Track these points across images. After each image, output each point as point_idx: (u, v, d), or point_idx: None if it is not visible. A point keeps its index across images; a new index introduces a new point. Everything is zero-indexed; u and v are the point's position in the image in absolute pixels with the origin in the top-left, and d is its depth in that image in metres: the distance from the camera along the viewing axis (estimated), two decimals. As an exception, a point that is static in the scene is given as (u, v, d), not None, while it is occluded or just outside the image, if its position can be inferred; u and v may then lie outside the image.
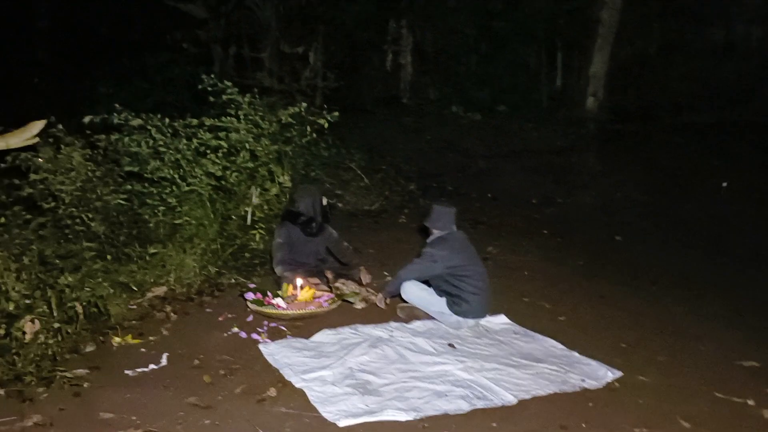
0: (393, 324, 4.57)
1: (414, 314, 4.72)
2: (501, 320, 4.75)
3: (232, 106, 5.77)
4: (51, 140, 5.12)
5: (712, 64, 14.90)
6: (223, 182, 5.68)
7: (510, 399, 3.53)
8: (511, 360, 4.06)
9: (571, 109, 14.30)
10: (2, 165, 4.76)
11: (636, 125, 13.65)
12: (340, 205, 7.36)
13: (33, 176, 5.01)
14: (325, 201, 5.27)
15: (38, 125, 4.08)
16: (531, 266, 6.11)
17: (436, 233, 4.73)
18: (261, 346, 4.10)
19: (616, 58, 14.07)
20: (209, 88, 5.83)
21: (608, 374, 3.87)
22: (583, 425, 3.33)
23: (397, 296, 4.82)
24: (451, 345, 4.27)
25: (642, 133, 13.15)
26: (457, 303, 4.53)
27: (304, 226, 5.12)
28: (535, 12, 14.52)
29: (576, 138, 12.83)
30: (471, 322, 4.58)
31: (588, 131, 13.36)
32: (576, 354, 4.18)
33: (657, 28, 15.65)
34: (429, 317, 4.69)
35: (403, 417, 3.28)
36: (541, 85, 15.37)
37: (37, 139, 4.20)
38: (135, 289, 4.71)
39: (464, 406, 3.42)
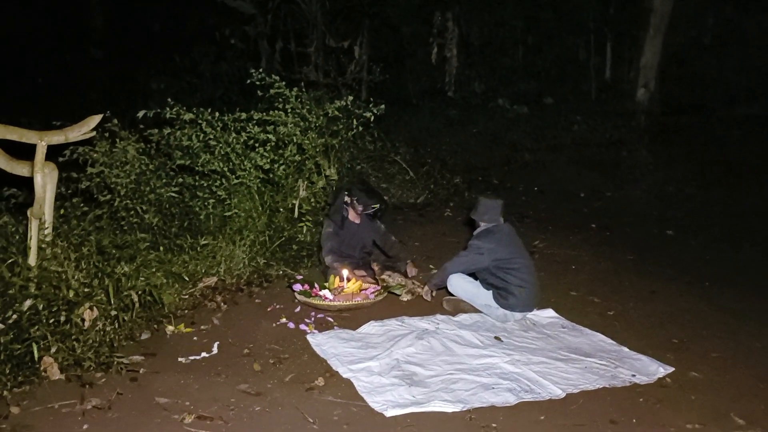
0: (439, 316, 4.57)
1: (460, 307, 4.72)
2: (548, 314, 4.70)
3: (280, 100, 5.84)
4: (107, 135, 5.32)
5: (768, 52, 14.34)
6: (271, 175, 5.77)
7: (558, 392, 3.49)
8: (559, 354, 4.02)
9: (622, 101, 13.97)
10: (61, 158, 4.96)
11: (689, 118, 13.25)
12: (385, 198, 7.38)
13: (90, 170, 5.21)
14: (375, 207, 5.31)
15: (95, 120, 4.20)
16: (579, 260, 6.02)
17: (482, 225, 4.71)
18: (309, 337, 4.17)
19: (668, 48, 13.67)
20: (257, 83, 5.91)
21: (659, 370, 3.79)
22: (634, 421, 3.27)
23: (444, 289, 4.82)
24: (497, 338, 4.25)
25: (695, 125, 12.76)
26: (503, 296, 4.51)
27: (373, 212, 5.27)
28: (583, 2, 14.21)
29: (626, 131, 12.54)
30: (518, 315, 4.54)
31: (639, 124, 13.04)
32: (625, 349, 4.11)
33: (711, 17, 15.13)
34: (475, 310, 4.68)
35: (450, 408, 3.29)
36: (590, 77, 15.05)
37: (93, 134, 4.33)
38: (187, 279, 4.83)
39: (511, 399, 3.41)
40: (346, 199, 5.28)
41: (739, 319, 4.74)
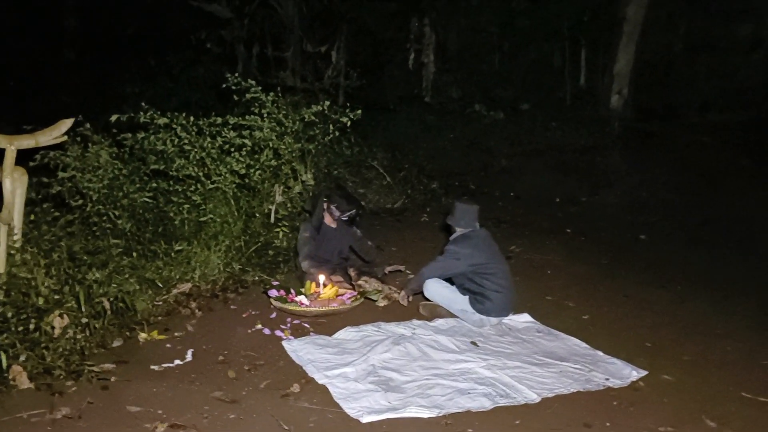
0: (416, 322, 4.57)
1: (437, 312, 4.73)
2: (524, 318, 4.73)
3: (256, 104, 5.82)
4: (79, 139, 5.24)
5: (739, 61, 14.61)
6: (247, 180, 5.73)
7: (533, 397, 3.51)
8: (534, 358, 4.05)
9: (596, 107, 14.13)
10: (32, 163, 4.87)
11: (662, 124, 13.45)
12: (363, 203, 7.39)
13: (61, 174, 5.13)
14: (353, 212, 5.28)
15: (66, 124, 4.15)
16: (554, 265, 6.07)
17: (459, 231, 4.72)
18: (284, 343, 4.14)
19: (641, 56, 13.87)
20: (233, 87, 5.88)
21: (633, 373, 3.84)
22: (607, 424, 3.30)
23: (420, 294, 4.83)
24: (473, 343, 4.26)
25: (668, 131, 12.96)
26: (480, 301, 4.52)
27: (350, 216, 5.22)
28: (558, 10, 14.38)
29: (600, 136, 12.68)
30: (494, 320, 4.56)
31: (612, 130, 13.20)
32: (600, 353, 4.15)
33: (683, 25, 15.39)
34: (452, 315, 4.69)
35: (425, 414, 3.28)
36: (565, 83, 15.21)
37: (65, 138, 4.28)
38: (161, 285, 4.78)
39: (487, 404, 3.42)
40: (324, 204, 5.26)
41: (710, 321, 4.82)
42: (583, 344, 4.30)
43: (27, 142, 3.97)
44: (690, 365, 4.06)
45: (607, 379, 3.76)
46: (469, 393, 3.53)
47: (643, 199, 9.03)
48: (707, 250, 6.75)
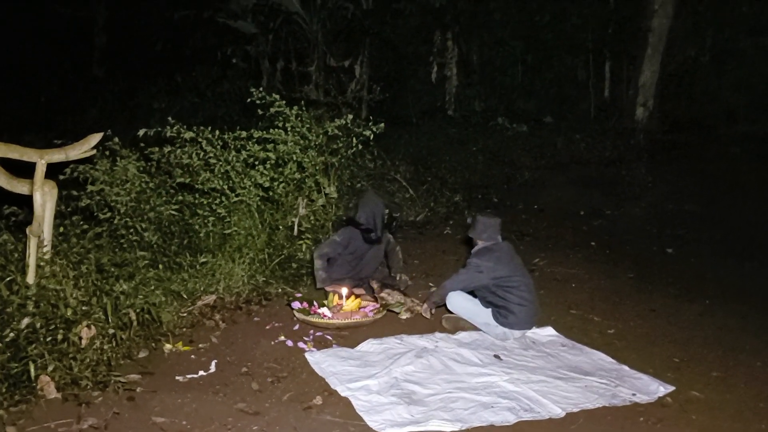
0: (438, 334, 4.55)
1: (459, 325, 4.70)
2: (548, 332, 4.68)
3: (280, 118, 5.87)
4: (107, 153, 5.34)
5: (767, 71, 14.41)
6: (270, 193, 5.78)
7: (557, 412, 3.47)
8: (559, 372, 4.00)
9: (620, 119, 14.04)
10: (62, 176, 4.98)
11: (688, 135, 13.30)
12: (396, 215, 7.41)
13: (90, 187, 5.22)
14: (386, 213, 5.33)
15: (96, 138, 4.23)
16: (579, 278, 6.01)
17: (481, 244, 4.71)
18: (307, 355, 4.15)
19: (666, 67, 13.76)
20: (258, 102, 5.94)
21: (660, 389, 3.77)
22: (634, 440, 3.25)
23: (443, 307, 4.81)
24: (497, 356, 4.23)
25: (695, 143, 12.81)
26: (503, 314, 4.49)
27: (365, 232, 5.19)
28: (582, 22, 14.34)
29: (625, 149, 12.58)
30: (517, 333, 4.53)
31: (638, 142, 13.09)
32: (626, 368, 4.08)
33: (709, 36, 15.24)
34: (474, 328, 4.66)
35: (448, 427, 3.26)
36: (589, 96, 15.14)
37: (94, 152, 4.36)
38: (186, 297, 4.82)
39: (510, 418, 3.38)
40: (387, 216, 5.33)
41: (739, 337, 4.72)
42: (609, 359, 4.24)
43: (57, 156, 4.06)
44: (719, 381, 3.98)
45: (633, 395, 3.70)
46: (492, 407, 3.50)
47: (670, 212, 8.90)
48: (736, 264, 6.62)
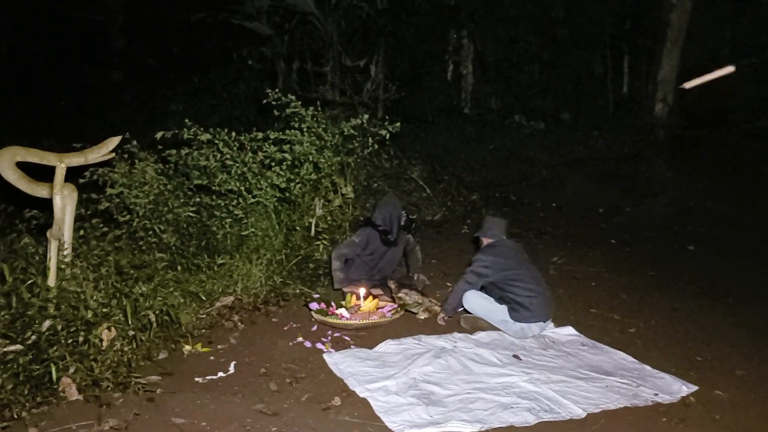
0: (457, 335, 4.53)
1: (478, 325, 4.68)
2: (568, 331, 4.65)
3: (296, 119, 5.88)
4: (126, 156, 5.38)
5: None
6: (287, 194, 5.79)
7: (578, 412, 3.43)
8: (579, 372, 3.96)
9: (639, 115, 13.85)
10: (81, 180, 5.02)
11: (709, 131, 13.10)
12: (413, 217, 7.42)
13: (109, 190, 5.27)
14: (404, 216, 5.34)
15: (114, 141, 4.26)
16: (598, 277, 5.95)
17: (485, 242, 4.79)
18: (325, 356, 4.15)
19: (686, 62, 13.56)
20: (274, 103, 5.95)
21: (683, 388, 3.72)
22: (657, 441, 3.21)
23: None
24: (516, 356, 4.20)
25: (715, 139, 12.62)
26: (516, 309, 4.50)
27: (382, 233, 5.20)
28: (599, 17, 14.18)
29: (644, 145, 12.43)
30: (535, 328, 4.50)
31: (657, 138, 12.91)
32: (648, 367, 4.03)
33: (729, 30, 15.00)
34: (493, 328, 4.63)
35: (468, 428, 3.24)
36: (607, 92, 14.97)
37: (113, 155, 4.39)
38: (204, 298, 4.84)
39: (530, 419, 3.36)
40: (404, 218, 5.34)
41: (763, 335, 4.64)
42: (630, 358, 4.19)
43: (77, 159, 4.09)
44: (743, 381, 3.92)
45: (656, 395, 3.65)
46: (512, 407, 3.47)
47: (691, 209, 8.78)
48: (759, 262, 6.52)
